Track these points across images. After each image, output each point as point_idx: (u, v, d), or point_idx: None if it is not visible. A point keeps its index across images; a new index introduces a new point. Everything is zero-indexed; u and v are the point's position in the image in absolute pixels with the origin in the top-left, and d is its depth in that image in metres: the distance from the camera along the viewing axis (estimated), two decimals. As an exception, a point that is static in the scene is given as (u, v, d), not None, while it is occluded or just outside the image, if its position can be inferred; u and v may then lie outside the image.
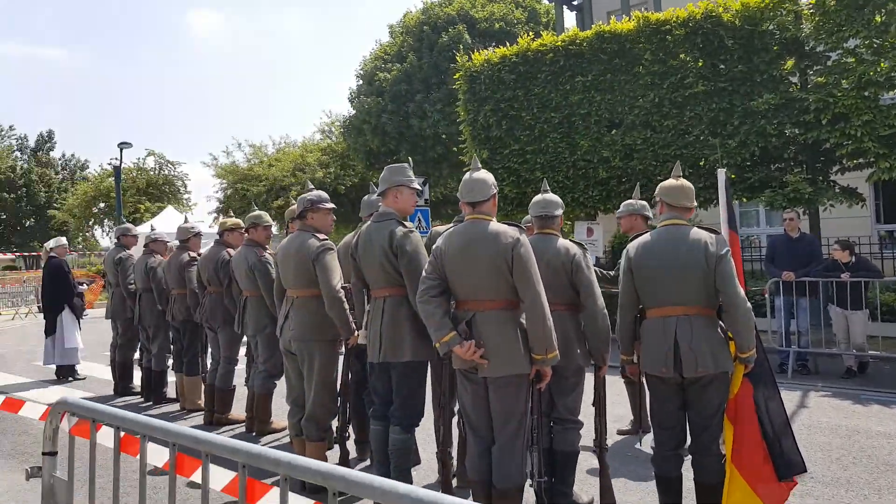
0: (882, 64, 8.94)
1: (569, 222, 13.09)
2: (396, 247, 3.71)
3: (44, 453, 2.32)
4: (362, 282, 3.97)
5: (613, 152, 11.35)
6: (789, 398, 6.70)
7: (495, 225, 3.32)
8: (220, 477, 2.07)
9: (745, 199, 11.08)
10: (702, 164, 10.59)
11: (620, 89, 11.23)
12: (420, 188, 4.11)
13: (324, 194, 4.45)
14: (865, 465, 4.67)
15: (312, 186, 4.56)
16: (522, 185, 12.16)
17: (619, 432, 5.39)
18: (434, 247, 3.45)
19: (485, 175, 3.45)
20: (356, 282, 4.03)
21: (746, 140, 10.12)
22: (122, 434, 2.14)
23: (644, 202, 5.28)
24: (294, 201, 4.78)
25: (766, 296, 8.30)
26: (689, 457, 3.45)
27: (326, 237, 4.28)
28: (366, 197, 4.70)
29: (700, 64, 10.57)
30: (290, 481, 1.61)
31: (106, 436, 2.16)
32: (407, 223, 3.87)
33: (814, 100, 9.31)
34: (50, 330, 8.19)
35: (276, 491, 1.80)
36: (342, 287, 4.15)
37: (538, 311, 3.15)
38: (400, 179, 3.88)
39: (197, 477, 1.97)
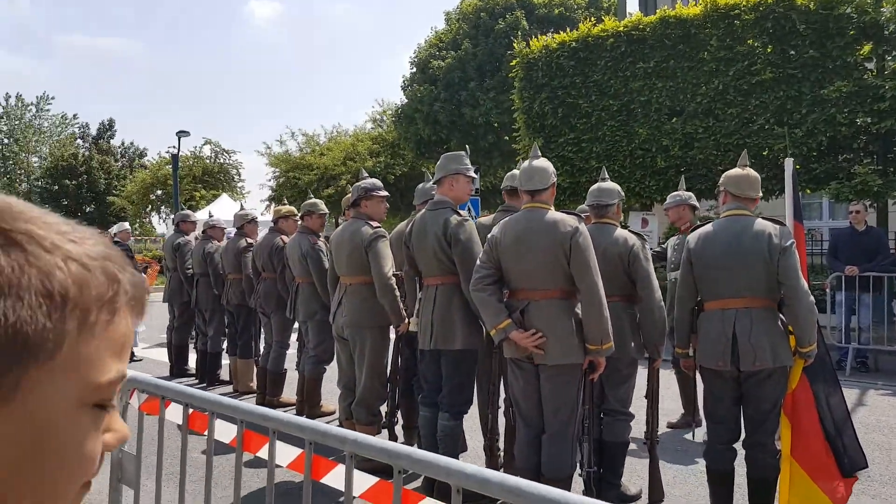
0: (965, 50, 8.44)
1: (624, 212, 12.87)
2: (450, 235, 3.72)
3: None
4: (415, 269, 4.00)
5: (673, 141, 11.09)
6: (847, 396, 6.36)
7: (553, 214, 3.29)
8: (287, 453, 2.11)
9: (809, 191, 10.69)
10: (766, 153, 10.24)
11: (683, 76, 10.94)
12: (475, 176, 4.10)
13: (378, 182, 4.49)
14: (928, 467, 4.50)
15: (367, 174, 4.62)
16: (577, 175, 12.01)
17: (670, 425, 5.31)
18: (489, 235, 3.44)
19: (545, 163, 3.42)
20: (409, 269, 4.07)
21: (814, 129, 9.73)
22: (191, 411, 2.19)
23: (690, 193, 5.38)
24: (349, 189, 4.84)
25: (828, 290, 8.01)
26: (743, 451, 3.37)
27: (379, 225, 4.32)
28: (420, 185, 4.71)
29: (769, 50, 10.19)
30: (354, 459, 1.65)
31: (174, 413, 2.21)
32: (461, 212, 3.88)
33: (890, 87, 8.87)
34: None
35: (341, 468, 1.83)
36: (394, 274, 4.19)
37: (595, 302, 3.11)
38: (457, 167, 3.88)
39: (263, 454, 2.02)
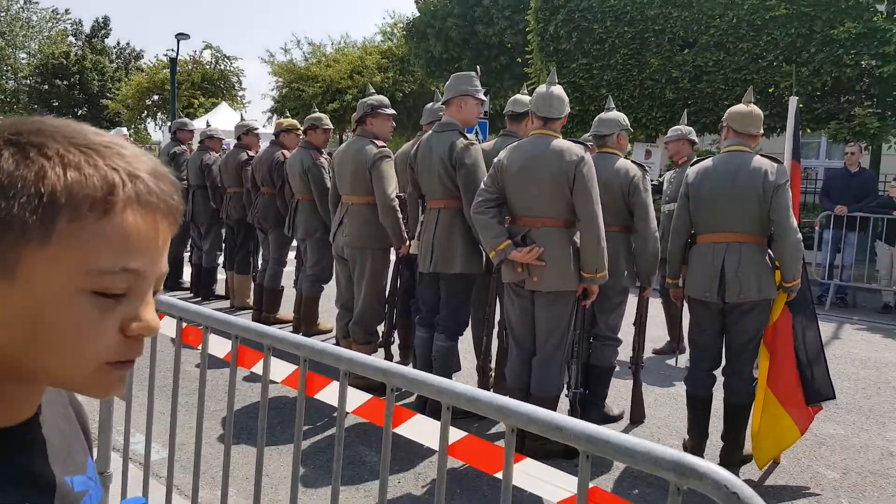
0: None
1: (629, 143, 12.82)
2: (456, 158, 3.72)
3: None
4: (418, 192, 4.02)
5: (683, 73, 10.96)
6: (825, 330, 6.67)
7: (560, 142, 3.32)
8: (280, 370, 2.13)
9: (809, 130, 10.70)
10: (771, 90, 10.16)
11: (699, 6, 10.71)
12: (485, 99, 4.09)
13: (385, 99, 4.43)
14: (888, 395, 4.81)
15: (374, 90, 4.54)
16: (586, 102, 11.89)
17: (655, 351, 5.55)
18: (495, 160, 3.46)
19: (562, 92, 3.44)
20: (412, 191, 4.08)
21: (821, 69, 9.67)
22: (185, 325, 2.17)
23: (690, 128, 5.48)
24: (355, 105, 4.77)
25: (817, 228, 8.21)
26: (722, 378, 3.57)
27: (385, 144, 4.29)
28: (428, 104, 4.64)
29: (785, -16, 9.94)
30: (349, 377, 1.67)
31: (167, 326, 2.17)
32: (468, 135, 3.89)
33: (897, 31, 8.77)
34: None
35: (335, 385, 1.86)
36: (397, 196, 4.20)
37: (594, 231, 3.20)
38: (466, 89, 3.84)
39: (257, 369, 2.03)
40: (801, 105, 9.93)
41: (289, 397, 4.12)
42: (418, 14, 20.74)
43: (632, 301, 4.09)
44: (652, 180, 4.96)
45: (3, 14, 41.76)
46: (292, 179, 5.45)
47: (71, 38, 45.08)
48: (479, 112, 3.97)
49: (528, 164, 3.31)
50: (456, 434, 1.69)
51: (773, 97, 10.12)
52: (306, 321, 5.70)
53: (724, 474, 1.04)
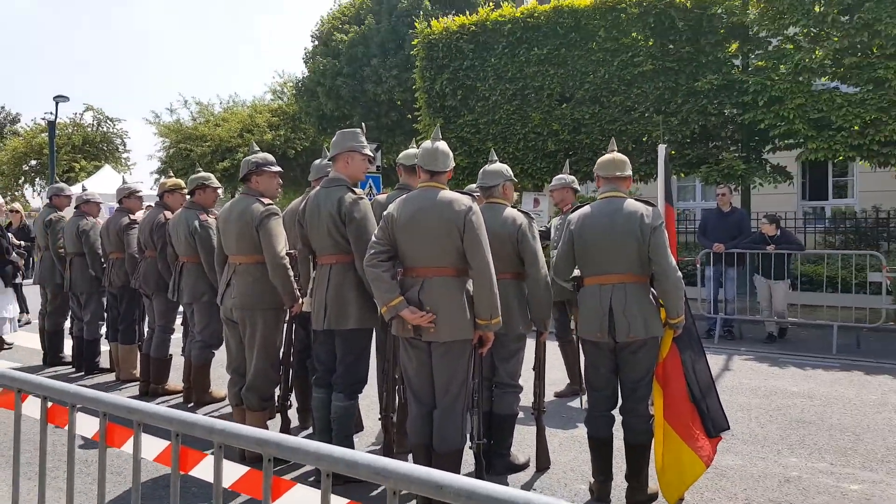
0: (817, 52, 9.40)
1: (517, 193, 13.28)
2: (345, 213, 3.68)
3: None
4: (308, 248, 3.94)
5: (563, 126, 11.55)
6: (715, 362, 7.09)
7: (448, 193, 3.37)
8: (153, 446, 1.97)
9: (682, 175, 11.54)
10: (645, 139, 10.90)
11: (573, 64, 11.38)
12: (372, 154, 4.09)
13: (270, 157, 4.34)
14: (780, 422, 5.03)
15: (258, 148, 4.45)
16: (474, 155, 12.28)
17: (557, 395, 5.63)
18: (385, 213, 3.46)
19: (447, 147, 3.52)
20: (302, 248, 3.99)
21: (688, 118, 10.49)
22: (50, 404, 2.05)
23: (573, 177, 5.76)
24: (241, 162, 4.65)
25: (698, 266, 8.76)
26: (620, 418, 3.64)
27: (271, 202, 4.19)
28: (316, 161, 4.62)
29: (651, 43, 10.81)
30: (225, 449, 1.59)
31: (32, 407, 2.06)
32: (357, 190, 3.87)
33: (753, 82, 9.74)
34: None
35: (210, 459, 1.75)
36: (287, 253, 4.10)
37: (485, 278, 3.23)
38: (352, 145, 3.85)
39: (128, 447, 1.92)
40: (672, 152, 10.79)
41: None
42: (307, 74, 20.88)
43: (530, 346, 4.14)
44: (541, 227, 5.12)
45: None
46: (177, 241, 5.26)
47: (-64, 102, 41.98)
48: (366, 167, 3.98)
49: (417, 215, 3.32)
50: (338, 502, 1.58)
51: (646, 145, 10.87)
52: (198, 389, 5.45)
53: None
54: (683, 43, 10.57)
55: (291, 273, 4.07)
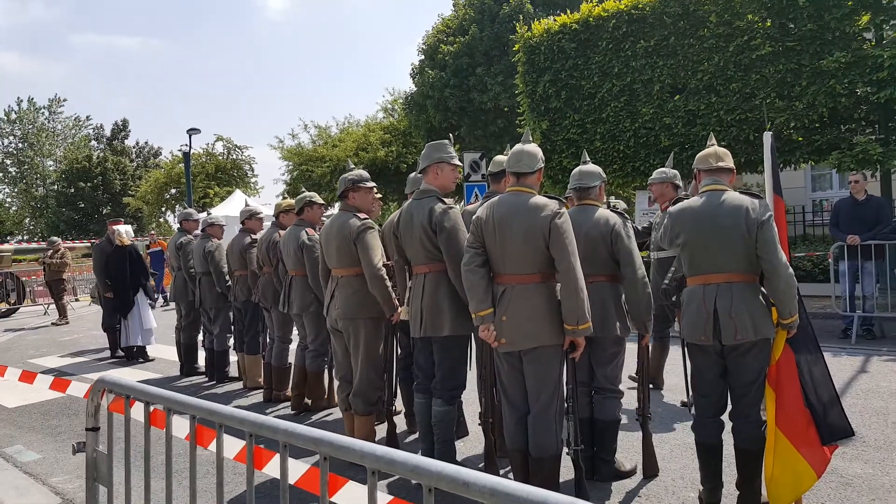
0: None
1: (632, 191, 12.89)
2: (435, 223, 3.77)
3: (87, 429, 2.42)
4: (404, 259, 4.06)
5: (676, 119, 11.08)
6: (851, 363, 6.52)
7: (536, 198, 3.35)
8: (233, 446, 2.10)
9: (813, 162, 10.66)
10: (768, 127, 10.17)
11: (684, 53, 10.92)
12: (460, 164, 4.15)
13: (364, 174, 4.51)
14: (923, 431, 4.54)
15: (353, 166, 4.64)
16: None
17: (683, 404, 5.26)
18: (474, 217, 3.51)
19: (534, 148, 3.48)
20: (398, 259, 4.12)
21: (815, 101, 9.70)
22: (152, 408, 2.21)
23: (675, 171, 5.46)
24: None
25: (831, 260, 8.04)
26: (730, 423, 3.43)
27: (367, 216, 4.36)
28: (411, 174, 4.77)
29: (768, 24, 10.14)
30: (289, 448, 1.68)
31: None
32: (447, 199, 3.94)
33: (889, 56, 8.85)
34: (125, 311, 8.65)
35: (276, 458, 1.88)
36: (385, 264, 4.23)
37: (571, 283, 3.17)
38: (440, 156, 3.94)
39: (213, 447, 2.02)
40: (799, 138, 10.05)
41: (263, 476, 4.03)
42: (416, 88, 21.41)
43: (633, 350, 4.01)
44: (636, 226, 4.93)
45: (30, 127, 43.88)
46: (286, 256, 5.56)
47: (93, 142, 47.10)
48: (455, 177, 4.04)
49: (505, 219, 3.33)
50: (383, 497, 1.64)
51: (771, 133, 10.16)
52: (314, 396, 5.70)
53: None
54: (805, 20, 9.81)
55: (389, 283, 4.20)
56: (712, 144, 3.57)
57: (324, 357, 5.59)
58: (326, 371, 5.75)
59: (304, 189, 6.00)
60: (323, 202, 5.75)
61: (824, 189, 14.95)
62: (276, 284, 5.97)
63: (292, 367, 6.17)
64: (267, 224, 6.87)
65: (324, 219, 5.44)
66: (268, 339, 6.52)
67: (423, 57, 21.39)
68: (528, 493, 1.17)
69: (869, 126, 9.94)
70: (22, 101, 44.04)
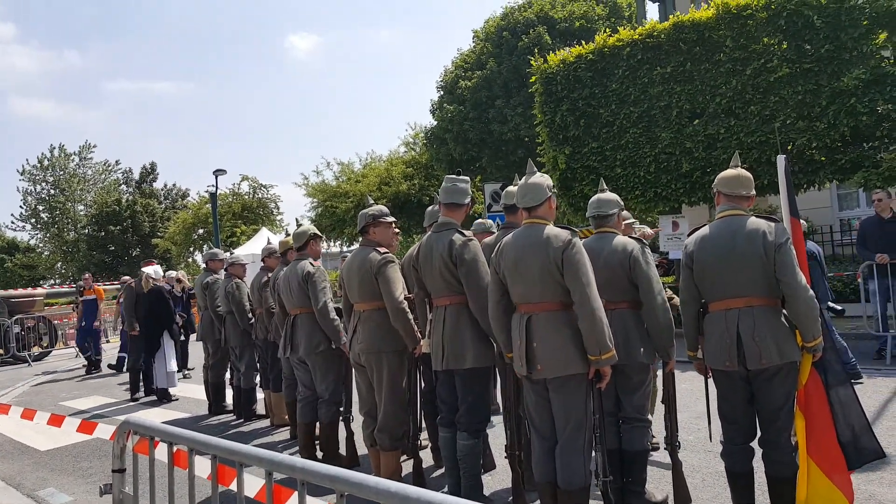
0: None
1: (656, 216, 12.81)
2: (455, 255, 3.81)
3: (113, 471, 2.45)
4: (424, 291, 4.08)
5: (696, 143, 11.05)
6: (887, 385, 6.36)
7: (549, 229, 3.36)
8: (254, 485, 2.11)
9: (837, 182, 10.53)
10: (790, 148, 10.13)
11: (701, 78, 10.92)
12: (473, 201, 4.21)
13: (384, 209, 4.55)
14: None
15: (373, 201, 4.67)
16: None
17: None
18: (492, 256, 3.55)
19: (539, 179, 3.50)
20: (419, 291, 4.15)
21: (835, 121, 9.62)
22: (175, 448, 2.25)
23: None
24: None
25: (860, 280, 7.88)
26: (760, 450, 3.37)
27: (388, 251, 4.37)
28: (430, 207, 4.82)
29: (784, 46, 10.12)
30: (307, 486, 1.71)
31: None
32: (466, 232, 3.97)
33: (908, 72, 8.75)
34: (154, 351, 8.73)
35: (295, 496, 1.87)
36: (405, 298, 4.24)
37: (588, 313, 3.17)
38: (452, 201, 4.02)
39: (235, 486, 2.05)
40: (822, 158, 9.94)
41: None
42: (436, 122, 21.67)
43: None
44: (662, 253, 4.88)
45: (62, 173, 45.15)
46: (287, 295, 5.25)
47: (122, 186, 48.22)
48: (469, 210, 4.11)
49: (520, 253, 3.36)
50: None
51: (791, 155, 10.08)
52: (328, 451, 5.15)
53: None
54: (821, 41, 9.78)
55: (411, 316, 4.21)
56: (736, 165, 3.57)
57: (338, 406, 5.13)
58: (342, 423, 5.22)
59: (309, 222, 5.82)
60: (321, 235, 5.57)
61: (852, 208, 14.73)
62: (268, 325, 5.78)
63: (298, 424, 5.46)
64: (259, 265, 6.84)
65: (346, 254, 5.39)
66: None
67: (442, 93, 21.69)
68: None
69: (893, 143, 9.81)
70: (55, 148, 45.43)
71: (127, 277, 11.79)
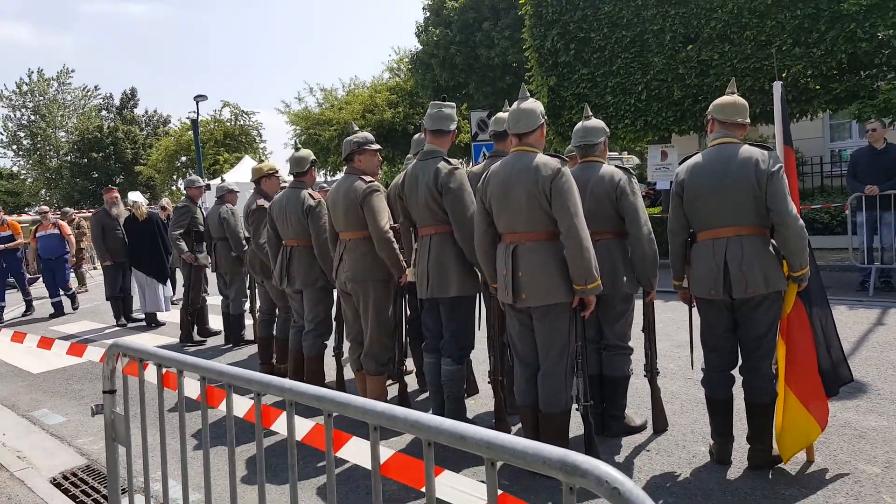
0: None
1: (644, 146, 12.69)
2: (441, 184, 3.74)
3: (104, 392, 2.47)
4: (409, 220, 4.04)
5: (689, 69, 10.84)
6: (868, 316, 6.46)
7: (538, 157, 3.28)
8: (243, 405, 2.17)
9: (831, 112, 10.39)
10: (784, 75, 9.94)
11: (696, 2, 10.60)
12: (458, 129, 4.10)
13: (369, 136, 4.43)
14: (940, 383, 4.51)
15: (357, 128, 4.55)
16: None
17: None
18: (479, 185, 3.48)
19: (532, 105, 3.39)
20: (404, 221, 4.10)
21: (833, 47, 9.41)
22: (164, 371, 2.27)
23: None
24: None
25: (848, 212, 7.88)
26: (741, 378, 3.43)
27: (373, 179, 4.29)
28: (416, 136, 4.71)
29: (783, -33, 9.79)
30: (295, 405, 1.76)
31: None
32: (452, 160, 3.88)
33: (911, -4, 8.50)
34: (165, 279, 8.71)
35: (283, 416, 1.93)
36: (391, 227, 4.20)
37: (575, 243, 3.14)
38: (438, 128, 3.91)
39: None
40: (816, 87, 9.78)
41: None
42: (421, 46, 21.06)
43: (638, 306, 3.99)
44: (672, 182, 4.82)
45: (41, 98, 43.87)
46: (284, 225, 4.98)
47: (103, 112, 47.08)
48: (453, 138, 4.01)
49: (507, 181, 3.29)
50: (386, 452, 1.71)
51: (786, 82, 9.90)
52: (314, 381, 4.87)
53: (605, 470, 1.08)
54: (823, -38, 9.47)
55: (396, 245, 4.17)
56: (732, 92, 3.47)
57: (324, 338, 5.01)
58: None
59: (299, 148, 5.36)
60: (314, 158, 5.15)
61: (843, 139, 14.61)
62: (262, 257, 5.55)
63: (289, 351, 5.36)
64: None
65: (325, 185, 5.20)
66: (257, 312, 6.28)
67: (428, 14, 20.99)
68: (523, 445, 1.19)
69: (891, 71, 9.64)
70: (32, 72, 43.96)
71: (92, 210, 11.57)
